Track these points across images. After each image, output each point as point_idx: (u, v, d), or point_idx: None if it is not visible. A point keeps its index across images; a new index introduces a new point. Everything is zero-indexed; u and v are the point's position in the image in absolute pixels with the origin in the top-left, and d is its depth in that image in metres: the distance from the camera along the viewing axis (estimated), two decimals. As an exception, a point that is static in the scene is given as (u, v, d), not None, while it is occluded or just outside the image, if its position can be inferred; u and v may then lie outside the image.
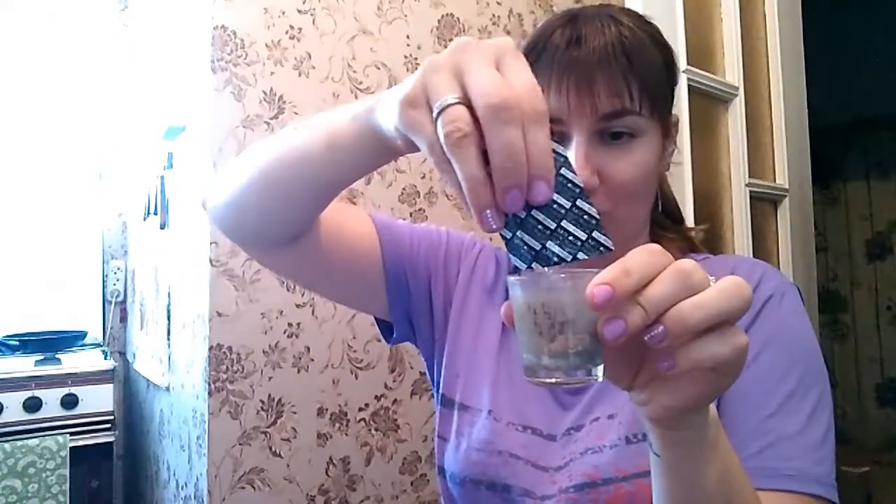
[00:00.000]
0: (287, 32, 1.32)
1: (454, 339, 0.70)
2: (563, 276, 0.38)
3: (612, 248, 0.40)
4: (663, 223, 0.70)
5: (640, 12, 0.63)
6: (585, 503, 0.57)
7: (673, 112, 0.64)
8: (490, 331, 0.69)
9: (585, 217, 0.40)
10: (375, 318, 0.74)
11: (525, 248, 0.40)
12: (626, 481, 0.56)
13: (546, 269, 0.40)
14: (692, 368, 0.35)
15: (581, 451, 0.59)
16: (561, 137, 0.58)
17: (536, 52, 0.59)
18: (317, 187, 0.55)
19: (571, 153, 0.56)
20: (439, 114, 0.36)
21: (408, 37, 1.47)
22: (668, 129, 0.62)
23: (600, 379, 0.38)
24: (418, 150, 0.41)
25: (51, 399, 1.86)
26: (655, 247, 0.36)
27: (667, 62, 0.60)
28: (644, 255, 0.35)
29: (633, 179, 0.57)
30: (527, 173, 0.36)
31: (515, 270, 0.41)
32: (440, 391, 0.70)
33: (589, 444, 0.59)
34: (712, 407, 0.41)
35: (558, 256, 0.40)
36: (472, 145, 0.36)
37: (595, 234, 0.40)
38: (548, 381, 0.38)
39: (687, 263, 0.35)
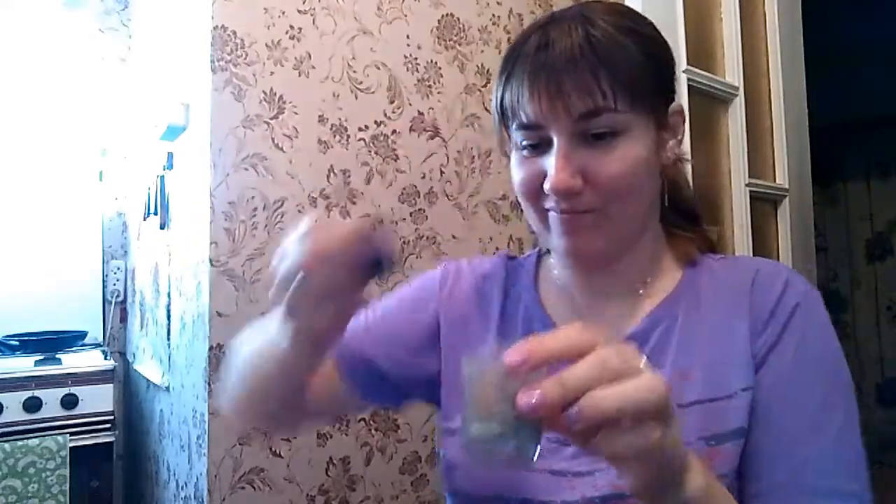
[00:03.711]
0: (287, 32, 1.32)
1: (453, 373, 0.68)
2: (496, 356, 0.40)
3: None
4: (678, 222, 0.68)
5: (640, 11, 0.62)
6: None
7: (676, 102, 0.61)
8: (482, 345, 0.68)
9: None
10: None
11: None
12: None
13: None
14: (612, 456, 0.38)
15: None
16: (544, 141, 0.57)
17: (512, 60, 0.58)
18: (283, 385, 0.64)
19: (552, 157, 0.56)
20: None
21: (408, 37, 1.47)
22: (663, 120, 0.60)
23: (532, 458, 0.41)
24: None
25: (51, 399, 1.86)
26: (584, 328, 0.39)
27: (650, 53, 0.57)
28: (570, 334, 0.39)
29: (620, 176, 0.55)
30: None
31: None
32: (446, 423, 0.68)
33: None
34: (699, 479, 0.43)
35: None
36: None
37: None
38: (481, 453, 0.41)
39: (608, 351, 0.38)
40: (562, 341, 0.38)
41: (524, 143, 0.58)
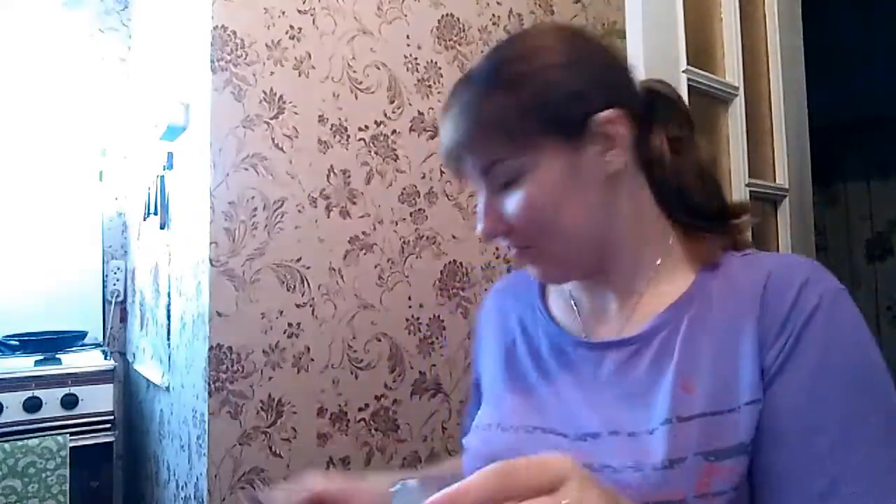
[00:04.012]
0: (287, 32, 1.32)
1: (485, 386, 0.76)
2: (423, 491, 0.40)
3: None
4: (685, 221, 0.64)
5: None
6: None
7: (609, 111, 0.58)
8: (495, 364, 0.72)
9: None
10: None
11: None
12: None
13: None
14: None
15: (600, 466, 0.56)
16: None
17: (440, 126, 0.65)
18: None
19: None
20: None
21: (408, 37, 1.47)
22: (580, 140, 0.58)
23: None
24: None
25: (51, 399, 1.86)
26: (505, 470, 0.36)
27: (538, 89, 0.57)
28: (486, 485, 0.35)
29: (529, 216, 0.58)
30: None
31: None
32: (476, 421, 0.73)
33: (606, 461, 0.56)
34: None
35: None
36: None
37: None
38: None
39: None
40: (478, 494, 0.35)
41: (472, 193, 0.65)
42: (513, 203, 0.58)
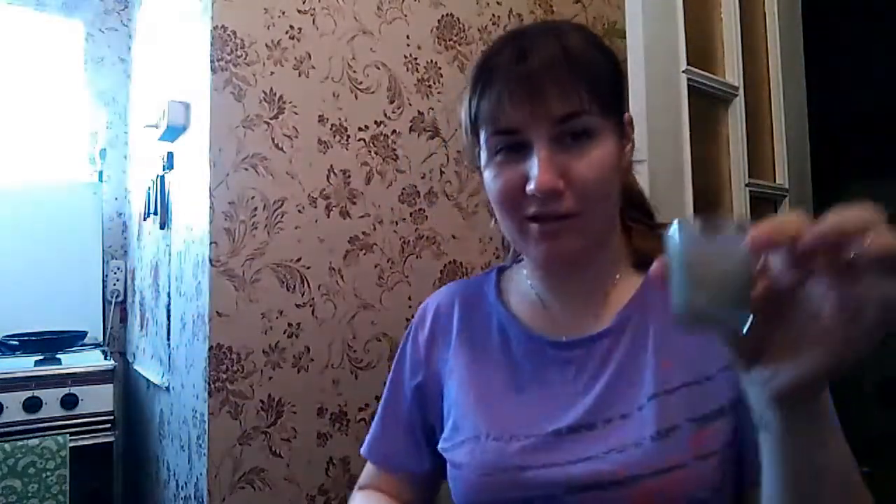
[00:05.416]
0: (287, 32, 1.32)
1: (448, 396, 0.75)
2: (707, 232, 0.42)
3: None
4: (634, 217, 0.72)
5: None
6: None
7: (627, 113, 0.66)
8: (461, 368, 0.72)
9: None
10: None
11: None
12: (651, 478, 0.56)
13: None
14: (883, 302, 0.37)
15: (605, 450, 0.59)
16: (522, 146, 0.60)
17: (488, 72, 0.62)
18: None
19: (535, 160, 0.58)
20: None
21: (408, 37, 1.47)
22: (622, 128, 0.64)
23: (744, 330, 0.41)
24: None
25: (51, 399, 1.86)
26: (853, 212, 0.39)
27: (613, 65, 0.63)
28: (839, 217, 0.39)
29: (597, 179, 0.59)
30: None
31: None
32: (452, 440, 0.70)
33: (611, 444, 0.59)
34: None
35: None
36: None
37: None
38: (699, 323, 0.42)
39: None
40: (834, 224, 0.39)
41: (500, 147, 0.61)
42: (585, 159, 0.59)
